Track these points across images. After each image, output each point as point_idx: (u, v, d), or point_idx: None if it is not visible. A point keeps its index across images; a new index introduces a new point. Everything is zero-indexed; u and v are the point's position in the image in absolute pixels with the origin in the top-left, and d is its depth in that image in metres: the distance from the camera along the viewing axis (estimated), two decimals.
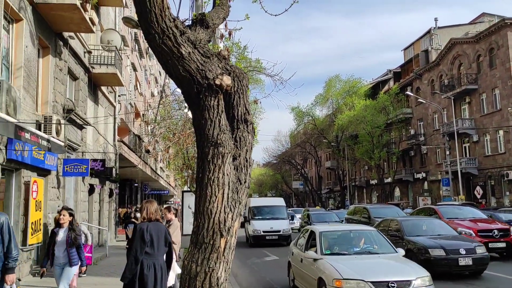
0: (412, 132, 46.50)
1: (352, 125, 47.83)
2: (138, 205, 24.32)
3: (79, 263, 7.22)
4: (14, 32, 10.68)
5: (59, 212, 7.32)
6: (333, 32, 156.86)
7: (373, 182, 53.83)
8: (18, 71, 10.61)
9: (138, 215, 19.07)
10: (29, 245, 10.57)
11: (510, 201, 31.36)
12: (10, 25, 10.56)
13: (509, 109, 32.03)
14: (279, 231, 20.01)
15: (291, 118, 66.13)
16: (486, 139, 35.70)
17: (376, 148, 47.17)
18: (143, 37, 22.14)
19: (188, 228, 17.54)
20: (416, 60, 46.67)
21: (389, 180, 49.50)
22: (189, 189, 20.86)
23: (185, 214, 19.43)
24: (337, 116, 51.02)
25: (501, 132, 33.87)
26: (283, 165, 71.78)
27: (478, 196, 33.94)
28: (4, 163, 9.50)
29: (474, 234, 13.56)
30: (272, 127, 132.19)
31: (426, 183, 44.38)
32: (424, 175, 44.21)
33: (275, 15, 6.67)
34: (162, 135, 20.20)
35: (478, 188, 34.43)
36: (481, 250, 10.72)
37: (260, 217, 21.12)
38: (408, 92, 43.22)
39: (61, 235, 7.11)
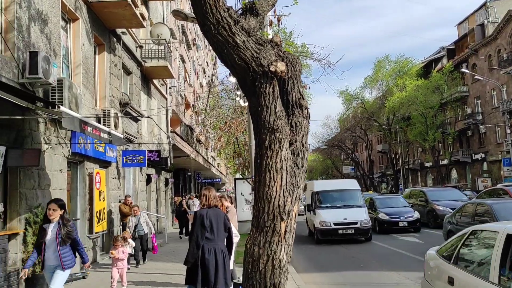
0: (469, 111, 44.39)
1: (404, 107, 46.37)
2: (192, 194, 24.98)
3: (74, 265, 6.09)
4: (72, 31, 11.22)
5: (47, 205, 6.05)
6: (381, 11, 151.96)
7: (428, 164, 52.10)
8: (77, 68, 11.16)
9: (191, 202, 19.73)
10: (95, 232, 11.20)
11: None
12: (68, 25, 11.10)
13: None
14: (356, 223, 15.52)
15: (339, 102, 65.29)
16: None
17: (430, 130, 45.53)
18: (190, 29, 22.61)
19: (242, 215, 17.85)
20: (471, 35, 44.33)
21: (445, 162, 47.72)
22: (241, 177, 21.15)
23: (238, 201, 19.77)
24: (388, 98, 49.63)
25: None
26: (333, 150, 70.96)
27: None
28: (69, 156, 10.08)
29: None
30: (321, 112, 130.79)
31: (485, 164, 42.39)
32: (483, 155, 42.23)
33: None
34: (212, 125, 20.59)
35: None
36: None
37: (328, 205, 16.71)
38: (464, 70, 41.20)
39: (50, 232, 5.89)
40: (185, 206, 18.73)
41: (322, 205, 16.75)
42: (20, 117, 7.04)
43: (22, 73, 8.05)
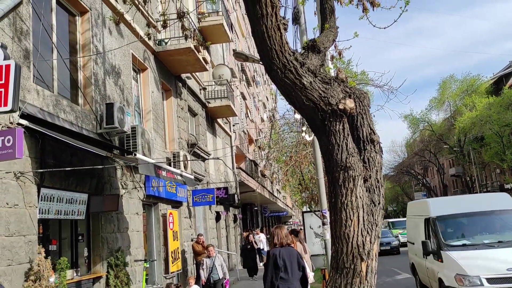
0: None
1: (476, 127, 43.96)
2: (257, 229, 24.98)
3: None
4: (141, 81, 11.96)
5: None
6: (440, 30, 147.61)
7: (509, 186, 48.46)
8: (148, 114, 11.80)
9: (258, 237, 19.72)
10: (171, 272, 11.46)
11: None
12: (138, 75, 11.85)
13: None
14: None
15: (405, 127, 63.15)
16: None
17: (508, 149, 42.60)
18: (249, 66, 23.25)
19: (312, 249, 17.49)
20: None
21: None
22: (309, 210, 20.88)
23: (307, 235, 19.44)
24: (457, 118, 47.36)
25: None
26: (401, 176, 68.31)
27: None
28: (144, 199, 10.54)
29: None
30: (386, 138, 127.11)
31: None
32: None
33: (384, 28, 6.55)
34: (276, 159, 20.67)
35: None
36: None
37: (467, 242, 9.27)
38: None
39: None
40: (252, 240, 18.22)
41: (453, 243, 9.28)
42: (100, 166, 7.51)
43: (100, 124, 8.64)
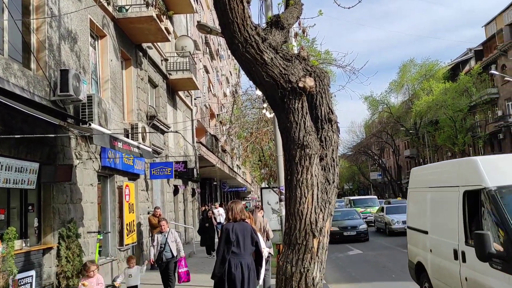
0: (500, 113, 43.18)
1: (431, 111, 45.49)
2: (216, 203, 25.07)
3: None
4: (100, 48, 11.50)
5: None
6: (405, 14, 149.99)
7: None
8: (106, 83, 11.41)
9: (217, 211, 19.71)
10: (126, 245, 11.35)
11: None
12: (96, 42, 11.39)
13: None
14: None
15: (364, 108, 64.31)
16: None
17: (460, 133, 44.49)
18: (213, 39, 22.76)
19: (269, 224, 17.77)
20: (500, 36, 43.20)
21: None
22: (267, 186, 21.13)
23: (265, 211, 19.70)
24: (414, 102, 48.80)
25: None
26: (359, 156, 70.14)
27: None
28: (99, 170, 10.28)
29: None
30: (345, 118, 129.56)
31: None
32: None
33: (348, 8, 6.55)
34: (237, 134, 20.65)
35: None
36: None
37: None
38: (493, 71, 40.16)
39: None
40: (210, 214, 17.09)
41: None
42: (53, 135, 7.23)
43: (54, 91, 8.27)
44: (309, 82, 3.96)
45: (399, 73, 52.80)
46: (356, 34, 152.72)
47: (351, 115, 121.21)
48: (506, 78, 38.52)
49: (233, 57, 4.28)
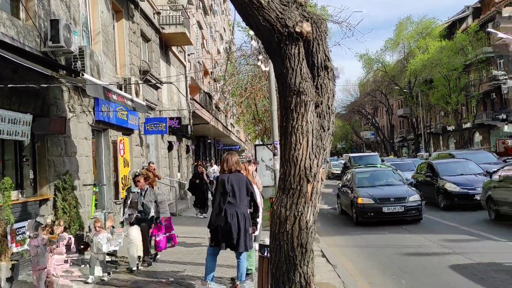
0: (494, 72, 43.04)
1: (426, 69, 45.23)
2: (211, 161, 25.23)
3: None
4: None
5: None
6: None
7: (450, 128, 51.24)
8: (97, 36, 11.17)
9: (212, 169, 19.82)
10: (121, 198, 11.48)
11: None
12: None
13: None
14: None
15: (359, 66, 64.05)
16: None
17: (453, 92, 44.48)
18: None
19: (262, 180, 17.96)
20: None
21: (468, 125, 46.82)
22: (261, 143, 21.22)
23: (258, 167, 19.89)
24: (410, 60, 48.42)
25: None
26: (352, 115, 70.27)
27: None
28: (93, 124, 10.25)
29: None
30: (340, 77, 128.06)
31: (507, 126, 41.37)
32: (504, 116, 41.13)
33: None
34: (231, 92, 20.51)
35: None
36: None
37: None
38: (490, 29, 39.66)
39: None
40: (201, 169, 15.07)
41: None
42: (45, 85, 7.13)
43: (44, 42, 8.10)
44: (306, 27, 3.89)
45: (395, 31, 52.11)
46: None
47: (346, 73, 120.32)
48: (499, 36, 38.08)
49: (229, 12, 4.18)
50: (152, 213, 7.55)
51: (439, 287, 6.40)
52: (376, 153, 35.22)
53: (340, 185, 14.57)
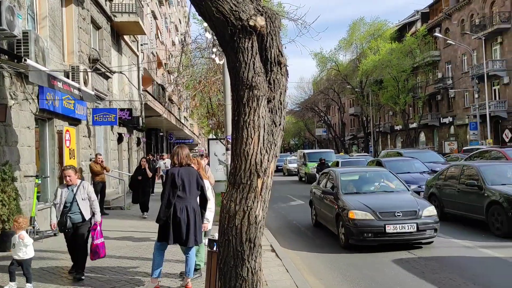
0: (440, 75, 45.14)
1: (377, 70, 46.70)
2: (163, 154, 24.82)
3: None
4: None
5: None
6: None
7: (398, 127, 53.26)
8: (43, 21, 10.63)
9: (163, 162, 19.42)
10: None
11: None
12: None
13: None
14: None
15: (314, 65, 64.99)
16: None
17: (402, 93, 46.23)
18: None
19: (215, 175, 17.88)
20: None
21: (414, 125, 48.85)
22: (214, 137, 21.11)
23: (211, 162, 19.77)
24: (362, 61, 49.79)
25: None
26: (306, 112, 71.39)
27: (507, 140, 33.24)
28: (37, 113, 9.76)
29: None
30: (295, 74, 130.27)
31: (452, 127, 43.64)
32: (450, 119, 43.41)
33: None
34: (185, 84, 20.23)
35: (506, 131, 33.64)
36: None
37: None
38: (437, 34, 41.53)
39: None
40: (144, 163, 12.83)
41: None
42: None
43: None
44: (260, 21, 3.87)
45: (348, 31, 53.33)
46: None
47: (300, 71, 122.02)
48: (448, 41, 40.02)
49: (184, 4, 4.08)
50: (87, 214, 6.36)
51: (380, 279, 6.62)
52: (332, 150, 34.18)
53: (315, 189, 11.10)
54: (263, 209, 3.90)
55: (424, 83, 47.21)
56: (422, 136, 49.89)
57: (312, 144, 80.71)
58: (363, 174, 10.60)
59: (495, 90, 37.06)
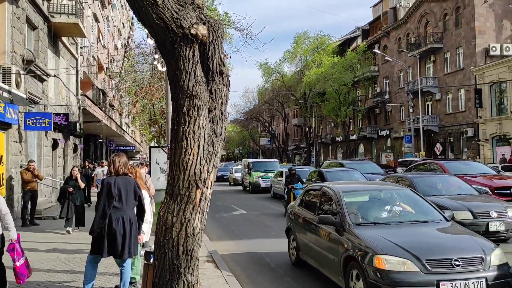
0: (378, 90, 47.23)
1: (320, 82, 48.01)
2: (102, 161, 23.94)
3: None
4: None
5: None
6: None
7: (339, 139, 54.95)
8: None
9: (101, 170, 18.68)
10: None
11: (467, 158, 32.86)
12: None
13: (471, 68, 32.89)
14: None
15: (259, 75, 65.68)
16: (448, 98, 36.76)
17: (343, 106, 47.80)
18: None
19: (156, 184, 17.46)
20: (385, 18, 46.72)
21: (354, 137, 50.64)
22: (156, 145, 20.66)
23: (152, 170, 19.30)
24: (305, 73, 51.00)
25: (462, 91, 34.91)
26: (250, 122, 71.88)
27: (438, 153, 35.33)
28: None
29: (490, 192, 11.58)
30: (240, 84, 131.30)
31: (389, 140, 45.68)
32: (387, 132, 45.43)
33: None
34: (127, 90, 19.71)
35: (438, 145, 35.76)
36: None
37: None
38: (376, 50, 43.49)
39: None
40: (75, 173, 11.14)
41: None
42: None
43: None
44: (202, 30, 3.83)
45: (293, 44, 54.46)
46: (257, 0, 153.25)
47: (246, 81, 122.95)
48: (386, 58, 42.04)
49: (128, 8, 3.96)
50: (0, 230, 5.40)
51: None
52: (276, 160, 33.83)
53: (296, 211, 8.07)
54: (201, 221, 3.84)
55: (363, 97, 49.18)
56: (361, 148, 51.83)
57: (256, 154, 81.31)
58: (375, 194, 7.40)
59: (428, 105, 39.28)
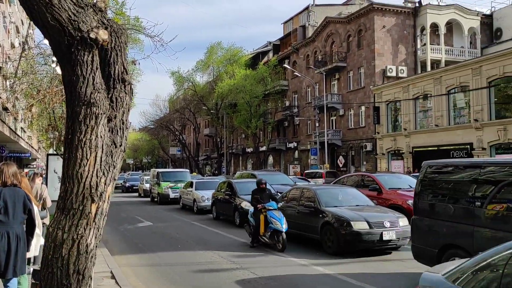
0: (287, 103, 48.96)
1: (232, 94, 48.55)
2: None
3: None
4: None
5: None
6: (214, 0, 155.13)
7: (249, 150, 55.84)
8: None
9: None
10: None
11: (367, 170, 35.20)
12: None
13: (371, 87, 35.47)
14: None
15: (170, 83, 64.75)
16: (350, 114, 39.21)
17: (254, 118, 48.75)
18: None
19: (54, 194, 16.25)
20: (295, 35, 48.72)
21: (263, 148, 51.80)
22: (55, 152, 19.28)
23: (49, 179, 17.95)
24: (218, 83, 51.26)
25: (363, 108, 37.46)
26: (160, 130, 70.29)
27: (340, 165, 37.43)
28: None
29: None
30: (151, 91, 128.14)
31: (297, 152, 47.42)
32: (295, 144, 47.15)
33: None
34: (23, 92, 18.22)
35: (340, 157, 37.91)
36: (403, 223, 9.98)
37: None
38: (286, 65, 45.12)
39: None
40: None
41: None
42: None
43: None
44: (103, 34, 3.64)
45: (206, 54, 54.54)
46: (169, 9, 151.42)
47: (156, 89, 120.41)
48: (295, 73, 43.81)
49: None
50: None
51: None
52: (187, 170, 33.11)
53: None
54: (96, 237, 3.59)
55: (273, 110, 50.64)
56: (271, 159, 53.18)
57: (166, 163, 79.56)
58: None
59: (332, 120, 41.55)
